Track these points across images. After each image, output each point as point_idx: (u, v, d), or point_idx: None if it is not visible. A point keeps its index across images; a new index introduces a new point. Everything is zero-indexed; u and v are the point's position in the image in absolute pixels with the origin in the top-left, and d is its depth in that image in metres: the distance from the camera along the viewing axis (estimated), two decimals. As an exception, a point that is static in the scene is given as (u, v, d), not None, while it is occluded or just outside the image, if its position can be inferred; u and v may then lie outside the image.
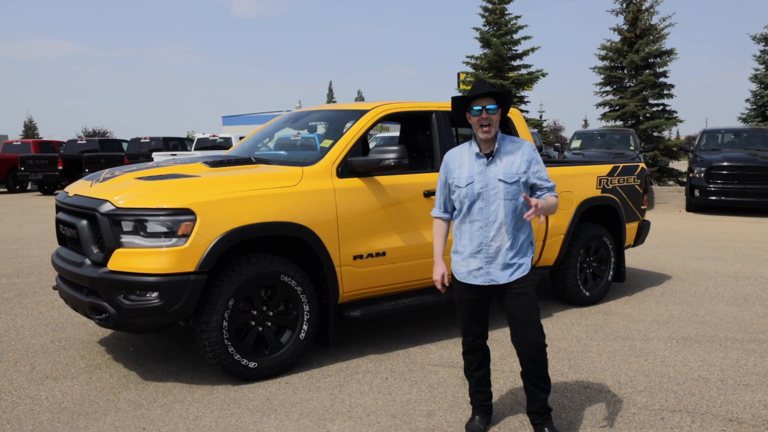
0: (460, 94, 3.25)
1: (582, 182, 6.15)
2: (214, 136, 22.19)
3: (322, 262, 4.37)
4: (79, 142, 24.31)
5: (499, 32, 24.75)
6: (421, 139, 5.56)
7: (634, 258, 8.63)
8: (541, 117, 38.83)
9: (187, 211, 3.87)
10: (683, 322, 5.67)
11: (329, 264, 4.40)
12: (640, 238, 6.94)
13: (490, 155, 3.23)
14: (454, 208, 3.37)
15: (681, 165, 23.27)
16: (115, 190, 4.08)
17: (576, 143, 16.82)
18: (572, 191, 6.01)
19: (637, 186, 6.71)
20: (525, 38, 24.80)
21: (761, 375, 4.33)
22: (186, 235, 3.85)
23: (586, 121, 41.18)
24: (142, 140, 23.76)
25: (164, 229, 3.86)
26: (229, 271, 4.01)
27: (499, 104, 3.24)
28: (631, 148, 15.90)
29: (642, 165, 6.87)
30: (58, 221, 4.51)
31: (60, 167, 20.98)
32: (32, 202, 18.28)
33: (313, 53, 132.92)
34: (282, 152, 5.87)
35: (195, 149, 21.61)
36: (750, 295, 6.67)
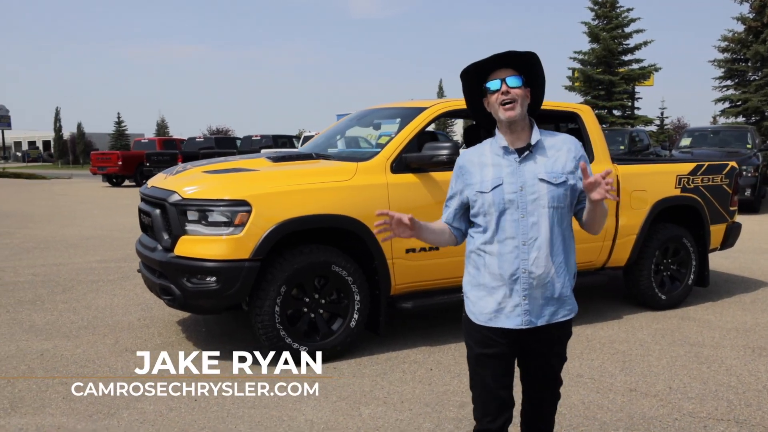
0: (473, 64, 2.45)
1: (658, 181, 5.90)
2: (318, 133, 23.04)
3: (373, 254, 4.54)
4: (197, 139, 26.12)
5: (608, 26, 23.85)
6: (483, 135, 5.56)
7: (732, 262, 8.12)
8: (662, 114, 36.88)
9: (243, 203, 4.17)
10: (767, 331, 5.31)
11: (381, 256, 4.55)
12: (727, 242, 6.54)
13: (524, 150, 2.38)
14: (467, 227, 2.54)
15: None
16: (184, 182, 4.47)
17: (686, 141, 15.87)
18: (646, 190, 5.78)
19: (725, 186, 6.33)
20: (637, 31, 23.75)
21: (836, 390, 4.02)
22: (242, 225, 4.15)
23: (714, 118, 38.30)
24: (253, 138, 25.08)
25: (224, 219, 4.19)
26: (282, 259, 4.28)
27: (524, 75, 2.41)
28: (748, 146, 14.77)
29: (732, 164, 6.47)
30: (140, 210, 4.98)
31: (179, 163, 22.58)
32: (153, 195, 19.81)
33: (426, 51, 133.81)
34: (343, 149, 6.07)
35: (301, 146, 22.56)
36: None
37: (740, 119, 20.87)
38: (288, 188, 4.33)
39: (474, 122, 6.22)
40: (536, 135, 2.41)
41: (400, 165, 4.71)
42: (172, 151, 23.96)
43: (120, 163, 24.55)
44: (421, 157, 4.67)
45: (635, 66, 23.93)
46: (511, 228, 2.35)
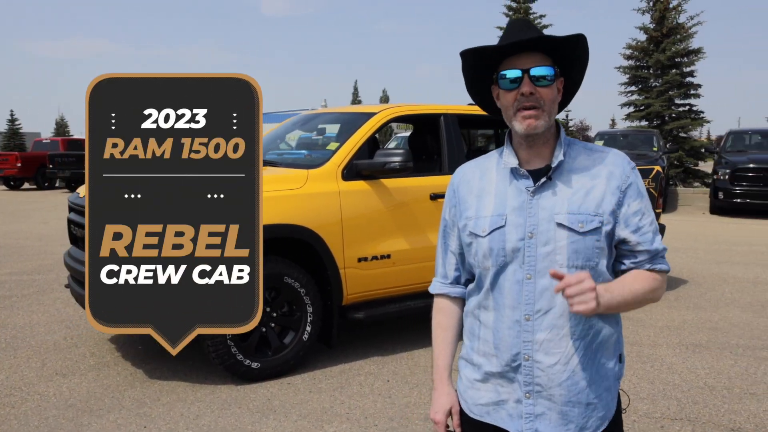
0: (479, 48, 1.59)
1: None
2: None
3: (325, 263, 4.40)
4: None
5: (522, 31, 24.65)
6: (430, 141, 5.56)
7: (651, 261, 8.52)
8: (567, 116, 38.50)
9: (190, 214, 3.93)
10: (695, 328, 5.59)
11: (333, 266, 4.43)
12: (654, 242, 6.85)
13: (543, 173, 1.59)
14: (471, 276, 1.73)
15: (707, 166, 22.88)
16: (123, 191, 4.16)
17: (598, 144, 16.60)
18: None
19: (651, 189, 6.63)
20: (548, 37, 24.67)
21: (769, 384, 4.27)
22: (190, 237, 3.91)
23: (613, 120, 40.60)
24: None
25: (169, 231, 3.92)
26: (232, 272, 4.07)
27: (560, 65, 1.58)
28: (654, 149, 15.64)
29: (657, 168, 6.80)
30: (70, 221, 4.62)
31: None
32: (59, 200, 18.64)
33: (341, 52, 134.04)
34: (290, 155, 5.90)
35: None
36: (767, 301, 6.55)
37: (644, 123, 22.09)
38: (238, 197, 4.12)
39: (414, 128, 6.18)
40: (561, 151, 1.58)
41: (351, 172, 4.60)
42: (79, 153, 22.58)
43: (19, 164, 22.93)
44: (372, 164, 4.58)
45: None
46: (512, 293, 1.57)
